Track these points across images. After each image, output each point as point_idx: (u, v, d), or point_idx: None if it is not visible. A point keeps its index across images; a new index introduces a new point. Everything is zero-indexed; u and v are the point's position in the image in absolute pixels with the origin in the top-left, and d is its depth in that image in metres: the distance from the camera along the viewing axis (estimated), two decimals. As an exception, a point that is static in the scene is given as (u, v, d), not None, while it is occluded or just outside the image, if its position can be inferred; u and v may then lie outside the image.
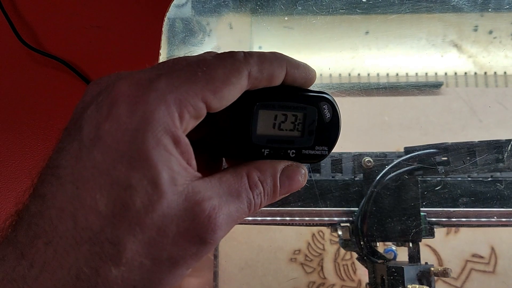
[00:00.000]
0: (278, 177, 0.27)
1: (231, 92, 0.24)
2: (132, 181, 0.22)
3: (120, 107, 0.22)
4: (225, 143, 0.27)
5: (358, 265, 0.73)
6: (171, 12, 0.68)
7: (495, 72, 0.80)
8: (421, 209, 0.58)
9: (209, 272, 0.70)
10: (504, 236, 0.71)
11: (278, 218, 0.61)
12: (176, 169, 0.23)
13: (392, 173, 0.58)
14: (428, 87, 0.78)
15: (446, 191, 0.60)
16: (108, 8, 0.68)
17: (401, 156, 0.59)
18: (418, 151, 0.59)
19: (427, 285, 0.54)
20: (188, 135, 0.24)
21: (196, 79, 0.23)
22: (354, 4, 0.67)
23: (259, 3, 0.68)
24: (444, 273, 0.54)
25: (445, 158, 0.58)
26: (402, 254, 0.60)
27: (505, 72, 0.80)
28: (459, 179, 0.60)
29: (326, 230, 0.75)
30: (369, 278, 0.59)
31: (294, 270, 0.73)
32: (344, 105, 0.73)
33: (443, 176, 0.60)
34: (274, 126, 0.28)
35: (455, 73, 0.80)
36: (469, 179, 0.60)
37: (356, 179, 0.61)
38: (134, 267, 0.22)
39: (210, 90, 0.23)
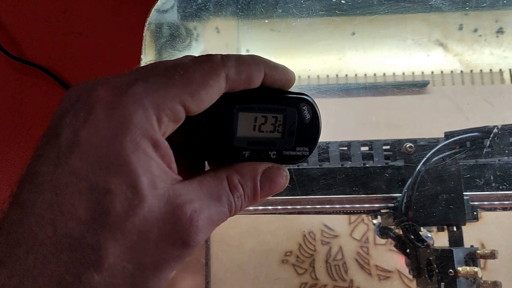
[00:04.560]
0: (259, 179, 0.27)
1: (209, 95, 0.24)
2: (111, 186, 0.22)
3: (97, 113, 0.22)
4: (205, 146, 0.28)
5: (350, 264, 0.73)
6: (157, 17, 0.68)
7: (481, 70, 0.81)
8: (464, 193, 0.58)
9: (201, 276, 0.70)
10: (493, 232, 0.72)
11: (318, 206, 0.61)
12: (156, 172, 0.23)
13: (434, 157, 0.59)
14: (415, 86, 0.79)
15: (488, 174, 0.60)
16: (88, 15, 0.68)
17: (440, 141, 0.60)
18: (459, 135, 0.60)
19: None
20: (168, 139, 0.24)
21: (174, 83, 0.23)
22: (333, 5, 0.68)
23: (239, 6, 0.68)
24: (492, 255, 0.55)
25: (488, 141, 0.59)
26: (437, 240, 0.61)
27: (490, 70, 0.81)
28: (502, 162, 0.60)
29: (317, 231, 0.75)
30: (412, 264, 0.60)
31: (285, 272, 0.73)
32: (332, 106, 0.73)
33: (485, 159, 0.60)
34: (255, 128, 0.28)
35: (441, 72, 0.80)
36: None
37: (395, 165, 0.61)
38: (117, 272, 0.22)
39: (188, 93, 0.24)
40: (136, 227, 0.22)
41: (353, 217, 0.75)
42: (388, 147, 0.63)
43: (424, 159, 0.58)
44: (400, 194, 0.59)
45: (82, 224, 0.22)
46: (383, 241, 0.65)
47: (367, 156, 0.63)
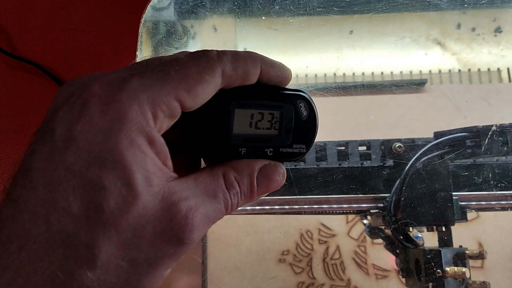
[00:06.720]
0: (255, 176, 0.27)
1: (205, 90, 0.24)
2: (106, 182, 0.21)
3: (92, 108, 0.22)
4: (201, 143, 0.27)
5: (347, 264, 0.73)
6: (153, 15, 0.68)
7: (478, 69, 0.81)
8: (453, 193, 0.58)
9: (198, 275, 0.70)
10: (491, 231, 0.72)
11: (306, 207, 0.60)
12: (151, 169, 0.23)
13: (424, 157, 0.58)
14: (413, 85, 0.78)
15: (477, 174, 0.60)
16: (85, 11, 0.68)
17: (430, 141, 0.60)
18: (448, 135, 0.59)
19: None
20: (164, 136, 0.24)
21: (169, 78, 0.23)
22: (331, 2, 0.67)
23: (236, 3, 0.68)
24: (480, 255, 0.55)
25: (476, 141, 0.59)
26: (427, 240, 0.61)
27: (488, 69, 0.81)
28: (490, 162, 0.60)
29: (314, 230, 0.75)
30: (401, 264, 0.60)
31: (283, 271, 0.73)
32: (330, 105, 0.73)
33: (473, 160, 0.60)
34: (251, 125, 0.27)
35: (439, 71, 0.80)
36: (499, 162, 0.60)
37: (385, 165, 0.61)
38: (111, 269, 0.22)
39: (184, 88, 0.23)
40: (130, 225, 0.22)
41: (351, 216, 0.75)
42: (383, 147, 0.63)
43: (413, 159, 0.58)
44: (389, 194, 0.59)
45: (76, 221, 0.21)
46: (380, 240, 0.65)
47: (364, 156, 0.62)
